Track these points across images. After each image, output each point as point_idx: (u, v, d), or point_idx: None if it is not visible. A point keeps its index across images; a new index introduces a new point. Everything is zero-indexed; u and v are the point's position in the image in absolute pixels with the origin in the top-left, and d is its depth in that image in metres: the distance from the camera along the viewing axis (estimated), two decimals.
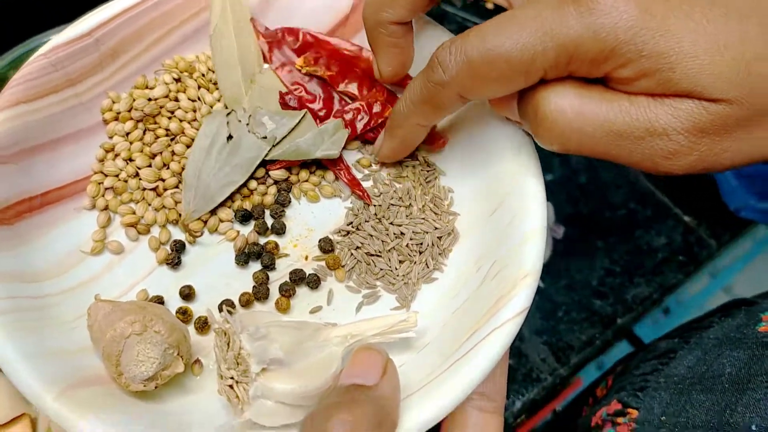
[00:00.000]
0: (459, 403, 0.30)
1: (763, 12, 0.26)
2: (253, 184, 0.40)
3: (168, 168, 0.40)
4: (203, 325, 0.36)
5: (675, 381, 0.44)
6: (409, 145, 0.38)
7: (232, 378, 0.30)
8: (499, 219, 0.36)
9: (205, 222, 0.39)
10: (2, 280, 0.33)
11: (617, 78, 0.28)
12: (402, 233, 0.38)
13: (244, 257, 0.38)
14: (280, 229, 0.39)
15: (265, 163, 0.39)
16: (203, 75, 0.42)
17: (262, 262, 0.38)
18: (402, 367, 0.33)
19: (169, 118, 0.41)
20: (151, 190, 0.39)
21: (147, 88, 0.41)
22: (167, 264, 0.38)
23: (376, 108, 0.40)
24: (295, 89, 0.41)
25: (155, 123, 0.41)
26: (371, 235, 0.38)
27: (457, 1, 0.79)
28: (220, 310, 0.36)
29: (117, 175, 0.40)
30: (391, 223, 0.39)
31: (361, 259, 0.38)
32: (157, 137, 0.40)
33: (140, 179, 0.39)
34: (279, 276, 0.38)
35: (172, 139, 0.40)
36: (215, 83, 0.42)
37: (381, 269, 0.38)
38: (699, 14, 0.26)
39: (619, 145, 0.28)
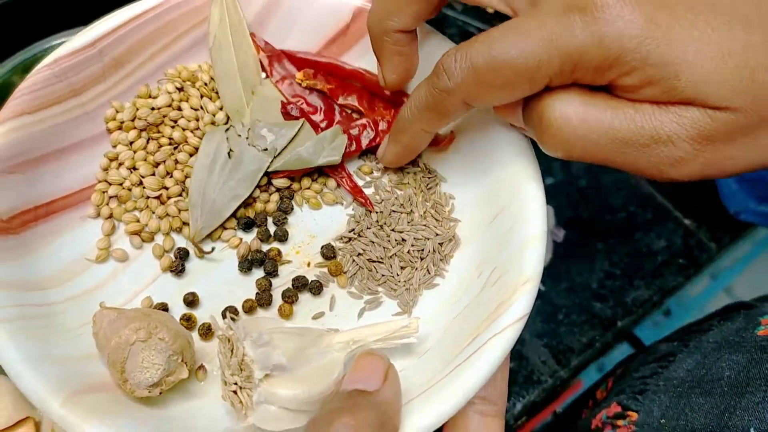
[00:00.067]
0: (460, 407, 0.31)
1: (763, 17, 0.26)
2: (255, 192, 0.40)
3: (171, 176, 0.40)
4: (207, 332, 0.36)
5: (674, 384, 0.44)
6: (413, 150, 0.39)
7: (235, 384, 0.31)
8: (500, 225, 0.36)
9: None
10: (9, 288, 0.34)
11: (622, 85, 0.28)
12: (403, 240, 0.39)
13: (247, 264, 0.38)
14: (282, 236, 0.39)
15: (268, 174, 0.40)
16: (205, 84, 0.42)
17: (265, 269, 0.38)
18: (403, 372, 0.33)
19: (172, 127, 0.41)
20: (154, 198, 0.40)
21: (150, 97, 0.42)
22: (171, 271, 0.38)
23: (382, 125, 0.41)
24: (297, 101, 0.42)
25: (158, 132, 0.41)
26: (373, 242, 0.39)
27: (457, 4, 0.79)
28: (224, 316, 0.37)
29: (121, 184, 0.40)
30: (392, 230, 0.39)
31: (362, 266, 0.38)
32: (161, 146, 0.41)
33: (144, 188, 0.40)
34: (282, 282, 0.38)
35: (175, 148, 0.41)
36: (217, 92, 0.42)
37: (383, 275, 0.38)
38: (703, 23, 0.26)
39: (623, 153, 0.28)
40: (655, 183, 0.74)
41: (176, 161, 0.41)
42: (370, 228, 0.39)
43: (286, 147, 0.39)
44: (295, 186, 0.41)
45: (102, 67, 0.40)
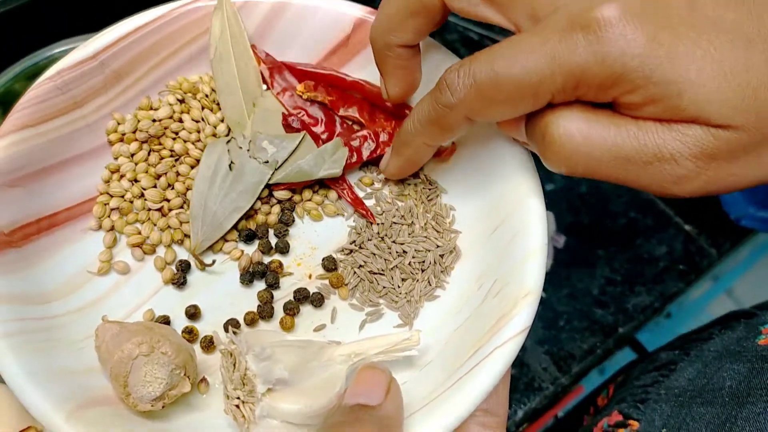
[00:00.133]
0: (462, 421, 0.31)
1: (765, 36, 0.26)
2: (257, 204, 0.40)
3: (173, 188, 0.40)
4: (209, 344, 0.36)
5: (676, 393, 0.44)
6: (415, 163, 0.39)
7: (238, 398, 0.31)
8: (501, 237, 0.36)
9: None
10: (11, 302, 0.34)
11: (625, 103, 0.28)
12: (404, 251, 0.39)
13: (248, 276, 0.38)
14: (283, 248, 0.39)
15: (269, 186, 0.40)
16: (206, 96, 0.42)
17: (266, 281, 0.38)
18: (405, 384, 0.34)
19: (174, 138, 0.41)
20: (156, 210, 0.40)
21: (151, 109, 0.42)
22: (173, 284, 0.38)
23: (383, 137, 0.41)
24: (297, 113, 0.42)
25: (160, 144, 0.41)
26: (374, 254, 0.39)
27: None
28: (226, 330, 0.37)
29: (122, 196, 0.40)
30: (393, 242, 0.39)
31: (364, 278, 0.38)
32: (162, 158, 0.41)
33: (145, 200, 0.40)
34: (283, 295, 0.38)
35: (176, 160, 0.41)
36: (218, 104, 0.42)
37: (384, 287, 0.38)
38: (706, 42, 0.26)
39: (626, 170, 0.28)
40: None
41: (177, 173, 0.41)
42: (371, 240, 0.39)
43: (287, 159, 0.39)
44: (296, 198, 0.41)
45: (103, 79, 0.41)
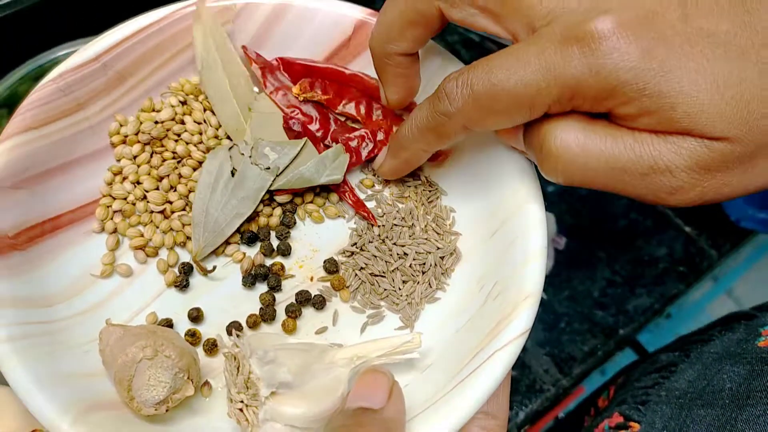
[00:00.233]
0: (463, 423, 0.31)
1: (759, 47, 0.27)
2: (258, 206, 0.40)
3: (175, 190, 0.41)
4: (212, 347, 0.36)
5: (676, 395, 0.44)
6: (411, 165, 0.39)
7: (242, 401, 0.31)
8: (501, 240, 0.37)
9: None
10: (15, 305, 0.34)
11: (620, 114, 0.28)
12: (405, 253, 0.39)
13: (250, 279, 0.38)
14: (285, 251, 0.39)
15: (270, 192, 0.40)
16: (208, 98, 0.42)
17: (268, 284, 0.38)
18: (406, 387, 0.34)
19: (176, 140, 0.41)
20: (158, 212, 0.40)
21: (154, 111, 0.42)
22: (175, 286, 0.38)
23: (380, 136, 0.41)
24: (292, 112, 0.42)
25: (162, 146, 0.41)
26: (375, 256, 0.39)
27: None
28: (229, 333, 0.37)
29: (125, 198, 0.40)
30: (394, 244, 0.39)
31: (365, 280, 0.39)
32: (164, 160, 0.41)
33: (148, 202, 0.40)
34: (285, 297, 0.38)
35: (178, 162, 0.41)
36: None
37: (385, 289, 0.38)
38: (699, 55, 0.27)
39: (623, 180, 0.29)
40: None
41: (180, 175, 0.41)
42: (372, 242, 0.39)
43: (288, 166, 0.39)
44: (298, 200, 0.41)
45: (106, 81, 0.41)
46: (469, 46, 0.78)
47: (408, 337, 0.34)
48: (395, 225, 0.40)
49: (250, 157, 0.39)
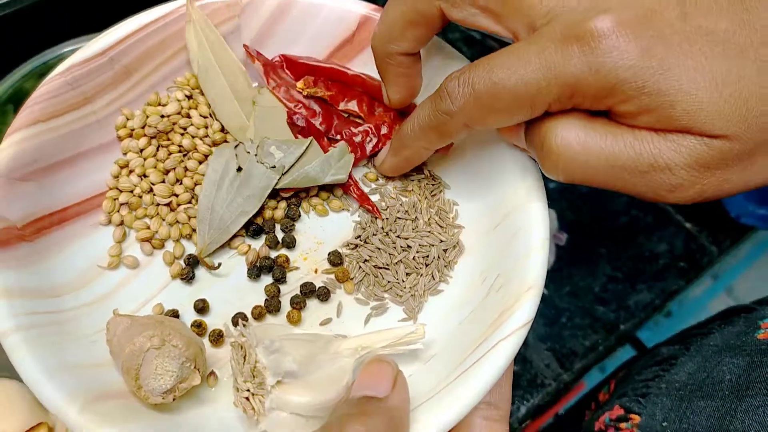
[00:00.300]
0: (466, 413, 0.31)
1: (758, 45, 0.27)
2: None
3: (181, 183, 0.41)
4: (217, 338, 0.37)
5: (676, 387, 0.45)
6: (412, 163, 0.40)
7: (248, 390, 0.31)
8: (503, 232, 0.37)
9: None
10: (24, 296, 0.34)
11: (620, 112, 0.28)
12: (409, 246, 0.39)
13: (255, 271, 0.39)
14: (290, 243, 0.40)
15: (276, 191, 0.40)
16: None
17: (273, 276, 0.39)
18: (410, 377, 0.34)
19: (182, 134, 0.42)
20: (164, 205, 0.40)
21: (160, 105, 0.42)
22: (181, 278, 0.39)
23: (384, 130, 0.41)
24: (296, 106, 0.42)
25: (168, 139, 0.42)
26: (379, 248, 0.39)
27: None
28: (235, 324, 0.37)
29: (132, 191, 0.41)
30: (398, 236, 0.40)
31: (369, 272, 0.39)
32: (170, 153, 0.41)
33: (154, 195, 0.40)
34: (290, 289, 0.39)
35: (184, 155, 0.42)
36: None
37: (388, 282, 0.39)
38: (698, 53, 0.27)
39: (623, 178, 0.29)
40: None
41: (186, 168, 0.41)
42: (376, 235, 0.40)
43: (294, 164, 0.40)
44: (302, 193, 0.41)
45: (113, 75, 0.41)
46: (471, 43, 0.79)
47: (412, 328, 0.34)
48: (399, 218, 0.40)
49: (255, 155, 0.40)
